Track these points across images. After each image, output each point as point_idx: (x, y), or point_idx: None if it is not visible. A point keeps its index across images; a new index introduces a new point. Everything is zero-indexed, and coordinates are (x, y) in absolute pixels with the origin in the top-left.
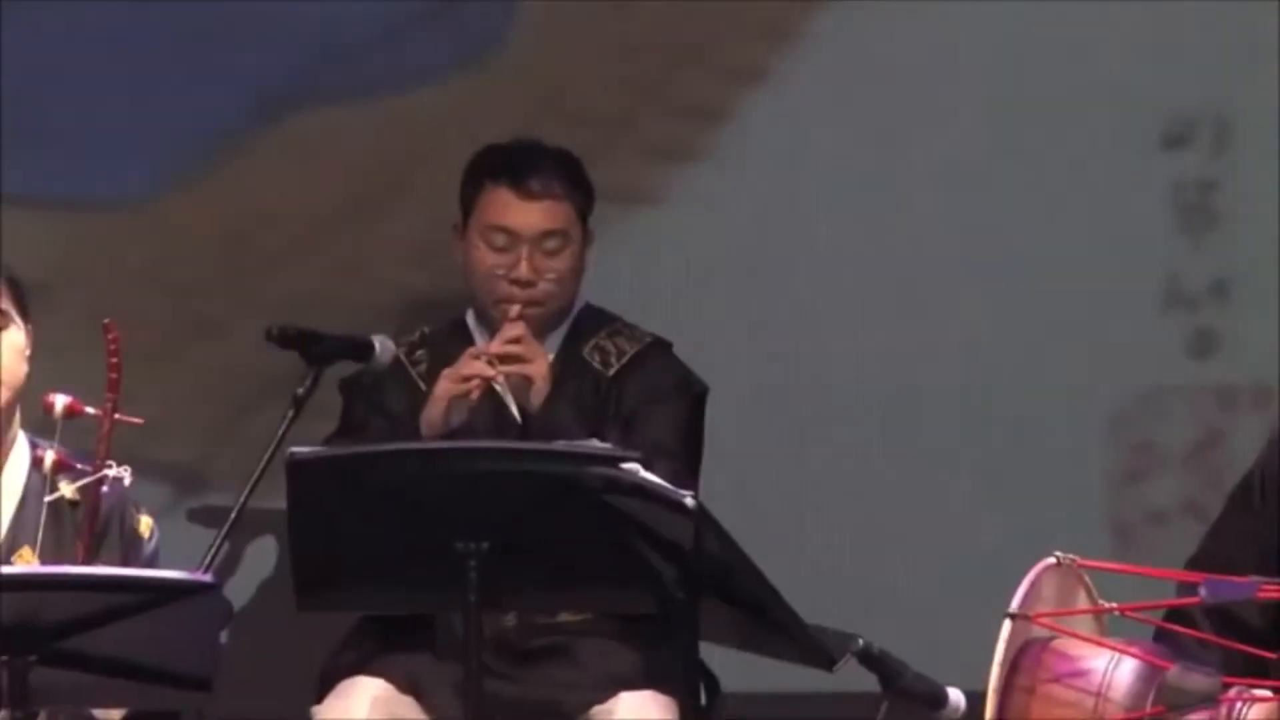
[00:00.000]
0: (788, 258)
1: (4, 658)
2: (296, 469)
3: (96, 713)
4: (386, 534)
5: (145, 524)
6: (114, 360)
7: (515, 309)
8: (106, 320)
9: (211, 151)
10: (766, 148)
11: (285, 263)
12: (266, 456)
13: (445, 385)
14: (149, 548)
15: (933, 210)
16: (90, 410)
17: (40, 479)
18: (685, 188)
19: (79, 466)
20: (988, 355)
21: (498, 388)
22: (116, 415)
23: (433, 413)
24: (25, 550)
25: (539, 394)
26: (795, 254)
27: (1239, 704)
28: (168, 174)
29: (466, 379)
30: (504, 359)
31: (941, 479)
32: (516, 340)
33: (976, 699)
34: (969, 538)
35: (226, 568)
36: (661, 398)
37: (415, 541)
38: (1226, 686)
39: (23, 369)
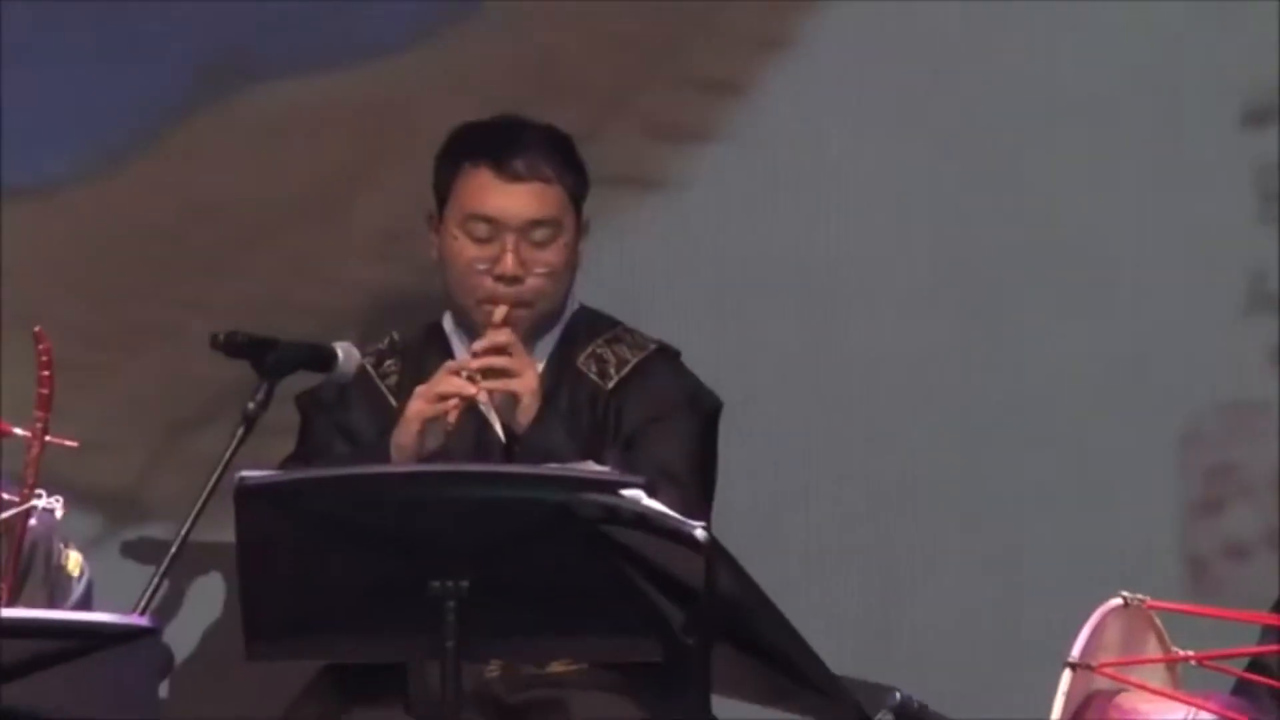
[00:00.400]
0: (812, 252)
1: None
2: (246, 496)
3: None
4: (350, 571)
5: (74, 561)
6: (45, 374)
7: (500, 310)
8: (37, 329)
9: (146, 133)
10: (790, 126)
11: (234, 259)
12: (212, 481)
13: (419, 406)
14: (79, 588)
15: (979, 199)
16: (19, 431)
17: None
18: (695, 171)
19: (4, 496)
20: (1042, 364)
21: (481, 406)
22: (48, 437)
23: (404, 435)
24: None
25: (527, 411)
26: (821, 248)
27: None
28: (96, 159)
29: (443, 398)
30: (487, 373)
31: (989, 505)
32: (502, 350)
33: None
34: (1021, 573)
35: (167, 610)
36: (668, 414)
37: (384, 580)
38: None
39: None
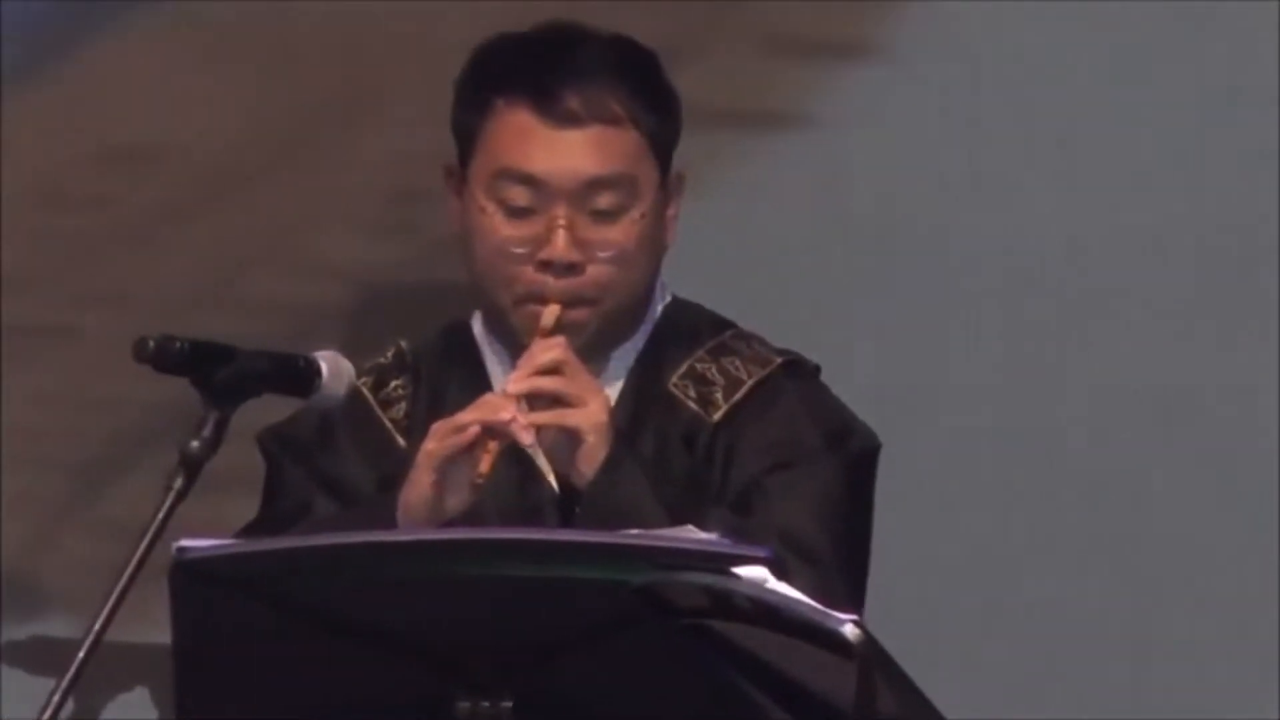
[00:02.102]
0: (1011, 224)
1: None
2: (188, 576)
3: None
4: (338, 684)
5: None
6: None
7: (551, 312)
8: None
9: (31, 65)
10: (980, 37)
11: (160, 232)
12: (138, 555)
13: (434, 448)
14: None
15: (1206, 155)
16: None
17: None
18: (839, 101)
19: None
20: None
21: (527, 448)
22: None
23: (415, 490)
24: None
25: (593, 455)
26: (1024, 219)
27: None
28: None
29: (464, 428)
30: (534, 400)
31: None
32: (555, 369)
33: None
34: None
35: None
36: (800, 459)
37: (387, 697)
38: None
39: None
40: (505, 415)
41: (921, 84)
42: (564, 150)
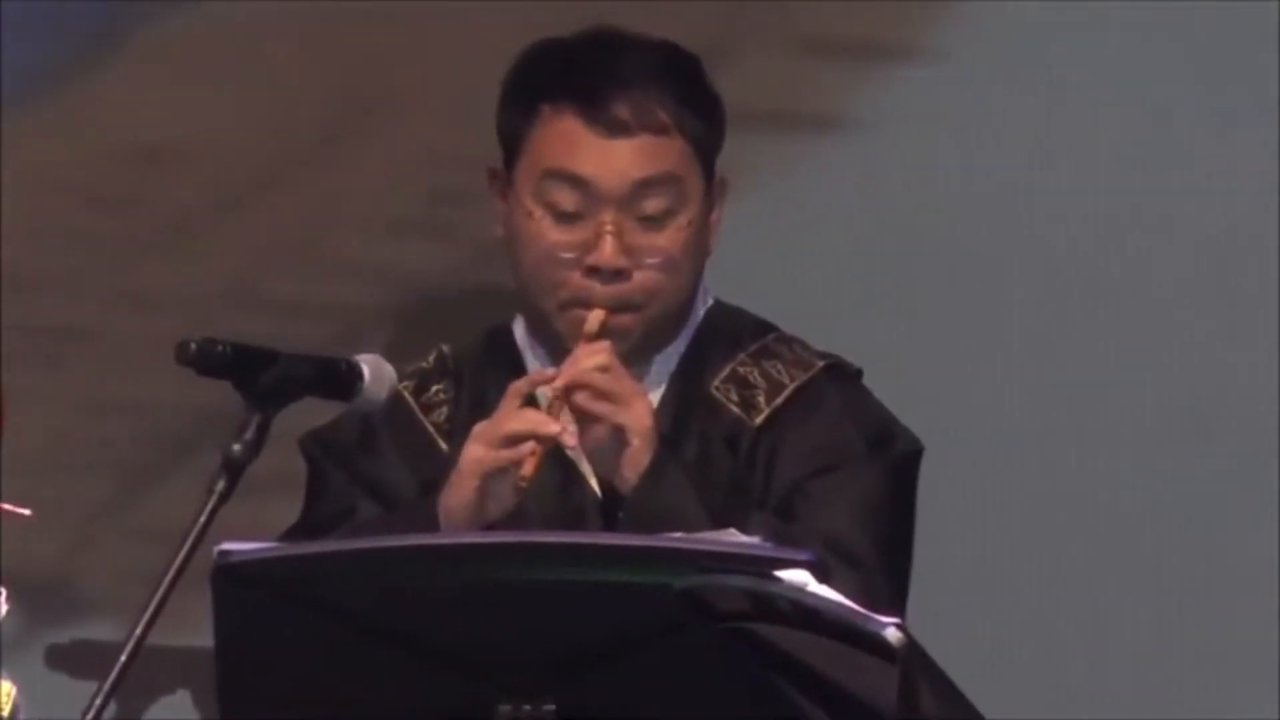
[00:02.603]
0: (1054, 230)
1: None
2: (230, 579)
3: None
4: (380, 688)
5: (4, 692)
6: None
7: (596, 317)
8: None
9: (58, 71)
10: (1011, 41)
11: (196, 233)
12: (179, 559)
13: (478, 452)
14: None
15: None
16: None
17: None
18: (882, 104)
19: None
20: None
21: (569, 452)
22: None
23: (457, 494)
24: None
25: (637, 458)
26: (1068, 224)
27: None
28: None
29: (513, 441)
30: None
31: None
32: (601, 371)
33: None
34: None
35: None
36: (843, 463)
37: (430, 700)
38: None
39: None
40: (555, 428)
41: (962, 86)
42: (612, 155)
